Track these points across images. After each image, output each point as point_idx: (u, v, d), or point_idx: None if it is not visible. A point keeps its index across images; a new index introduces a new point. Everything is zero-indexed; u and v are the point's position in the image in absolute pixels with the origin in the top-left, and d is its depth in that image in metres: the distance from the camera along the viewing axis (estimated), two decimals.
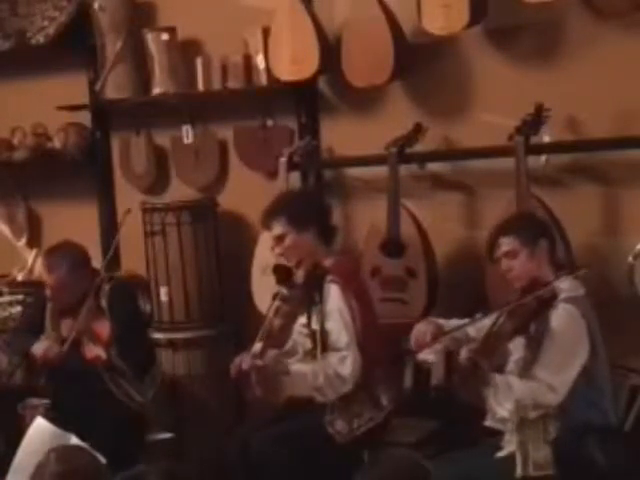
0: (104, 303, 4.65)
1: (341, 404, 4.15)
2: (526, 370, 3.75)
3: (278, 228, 4.25)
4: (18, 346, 4.85)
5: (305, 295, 4.20)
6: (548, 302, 3.72)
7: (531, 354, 3.74)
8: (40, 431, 3.87)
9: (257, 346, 4.15)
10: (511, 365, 3.83)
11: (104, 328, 4.60)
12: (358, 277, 4.44)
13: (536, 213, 4.20)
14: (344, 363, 4.11)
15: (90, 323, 4.60)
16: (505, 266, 3.89)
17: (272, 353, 4.17)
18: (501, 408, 3.74)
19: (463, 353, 3.80)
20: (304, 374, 4.15)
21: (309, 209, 4.32)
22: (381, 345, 4.26)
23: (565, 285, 3.81)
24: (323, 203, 4.52)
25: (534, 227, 3.94)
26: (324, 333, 4.15)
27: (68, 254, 4.77)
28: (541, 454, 3.62)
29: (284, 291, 4.22)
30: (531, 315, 3.75)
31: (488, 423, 3.89)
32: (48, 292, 4.73)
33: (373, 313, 4.33)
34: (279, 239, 4.26)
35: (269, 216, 4.31)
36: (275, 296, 4.24)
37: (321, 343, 4.15)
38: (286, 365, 4.20)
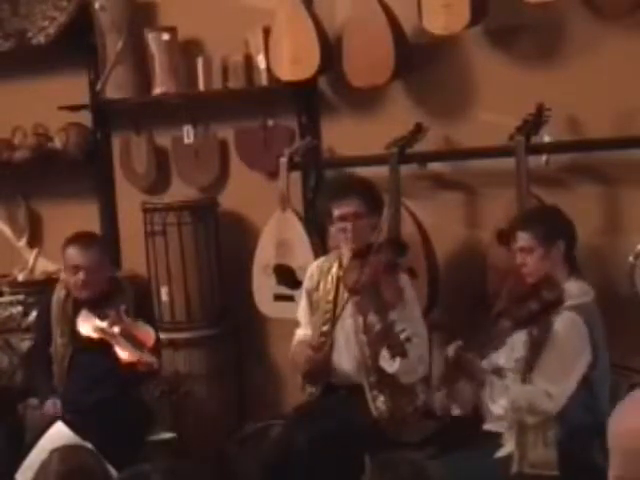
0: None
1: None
2: (526, 370, 3.75)
3: (354, 205, 4.24)
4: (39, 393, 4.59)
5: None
6: (553, 306, 3.71)
7: (532, 356, 3.72)
8: (58, 436, 3.88)
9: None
10: (512, 363, 3.82)
11: (148, 334, 4.38)
12: None
13: (560, 211, 4.13)
14: (424, 347, 4.12)
15: (129, 324, 4.37)
16: (519, 260, 3.89)
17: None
18: (496, 405, 3.73)
19: (450, 350, 3.80)
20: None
21: (380, 197, 4.36)
22: None
23: (574, 289, 3.80)
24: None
25: (554, 227, 3.93)
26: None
27: (96, 237, 4.72)
28: (538, 455, 3.63)
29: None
30: (531, 315, 3.73)
31: (487, 427, 3.89)
32: (79, 278, 4.42)
33: None
34: (355, 216, 4.24)
35: (350, 190, 4.30)
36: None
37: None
38: None
